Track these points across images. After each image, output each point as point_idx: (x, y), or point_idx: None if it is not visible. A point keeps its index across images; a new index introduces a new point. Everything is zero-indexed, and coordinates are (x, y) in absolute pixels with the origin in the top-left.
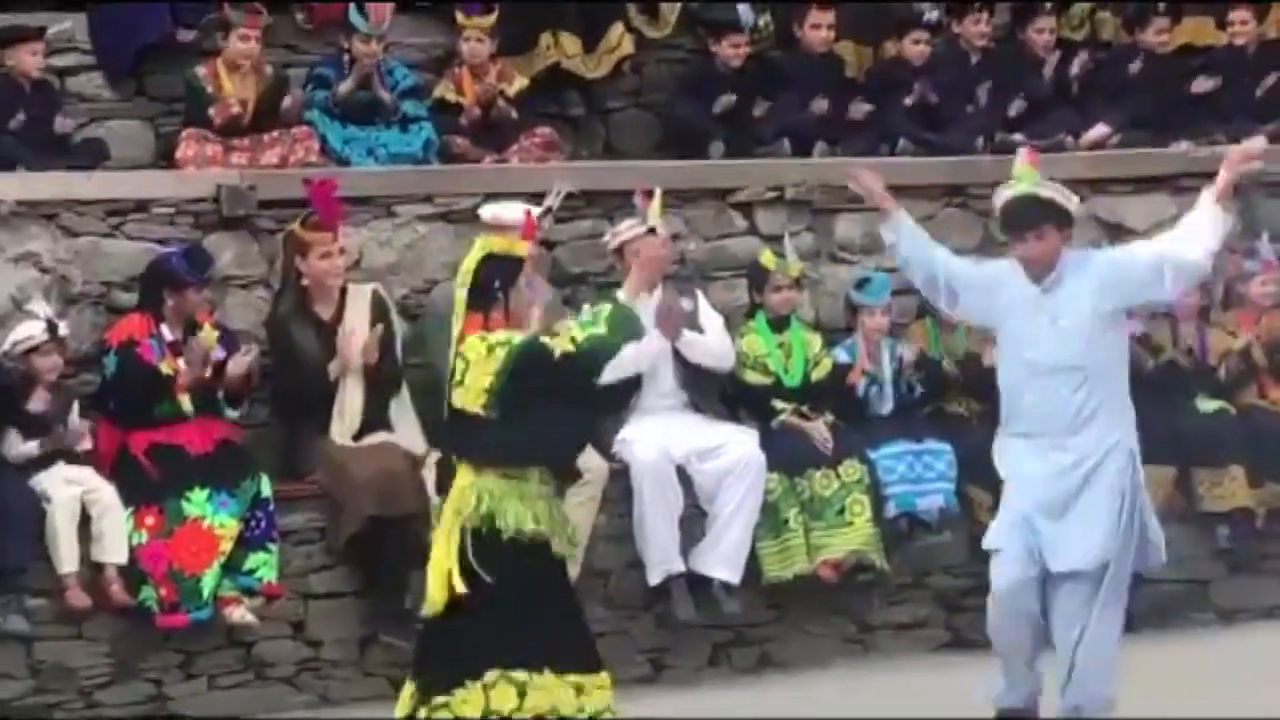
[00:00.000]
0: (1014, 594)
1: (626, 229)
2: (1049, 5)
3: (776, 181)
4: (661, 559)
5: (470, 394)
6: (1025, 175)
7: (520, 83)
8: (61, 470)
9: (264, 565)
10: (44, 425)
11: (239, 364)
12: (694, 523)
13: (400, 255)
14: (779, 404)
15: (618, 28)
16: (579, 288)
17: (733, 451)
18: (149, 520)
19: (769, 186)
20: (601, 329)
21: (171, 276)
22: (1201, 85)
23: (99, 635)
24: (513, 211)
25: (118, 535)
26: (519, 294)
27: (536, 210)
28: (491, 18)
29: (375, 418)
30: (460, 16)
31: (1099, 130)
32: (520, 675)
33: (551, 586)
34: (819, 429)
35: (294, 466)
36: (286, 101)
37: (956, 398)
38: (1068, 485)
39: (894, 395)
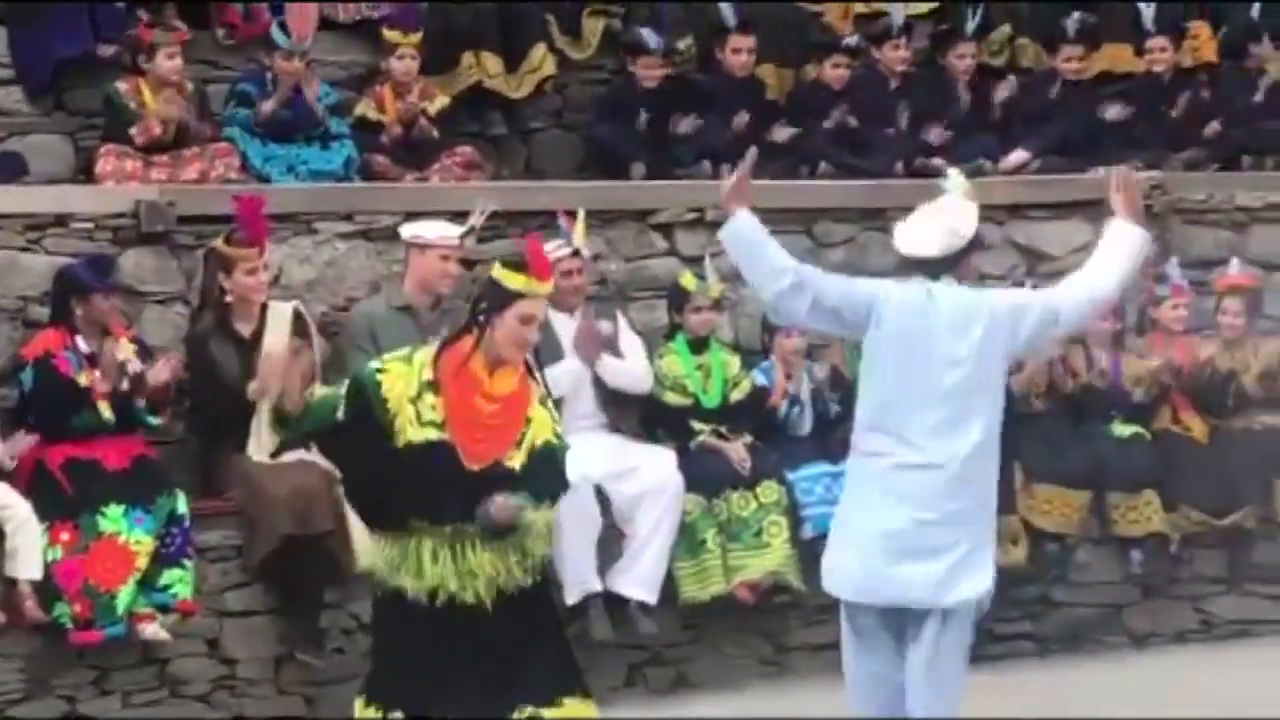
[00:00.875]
0: None
1: (552, 250)
2: (968, 32)
3: (697, 203)
4: (578, 579)
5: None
6: (957, 185)
7: (442, 101)
8: None
9: (179, 582)
10: None
11: (162, 369)
12: (611, 543)
13: (320, 272)
14: (697, 425)
15: (540, 48)
16: None
17: (650, 472)
18: (64, 536)
19: (689, 208)
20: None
21: (76, 285)
22: (1114, 113)
23: (12, 651)
24: (434, 230)
25: (32, 551)
26: (505, 328)
27: (459, 229)
28: (419, 35)
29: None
30: (393, 34)
31: (1017, 156)
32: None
33: (515, 619)
34: (737, 450)
35: (211, 484)
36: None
37: None
38: None
39: (811, 416)
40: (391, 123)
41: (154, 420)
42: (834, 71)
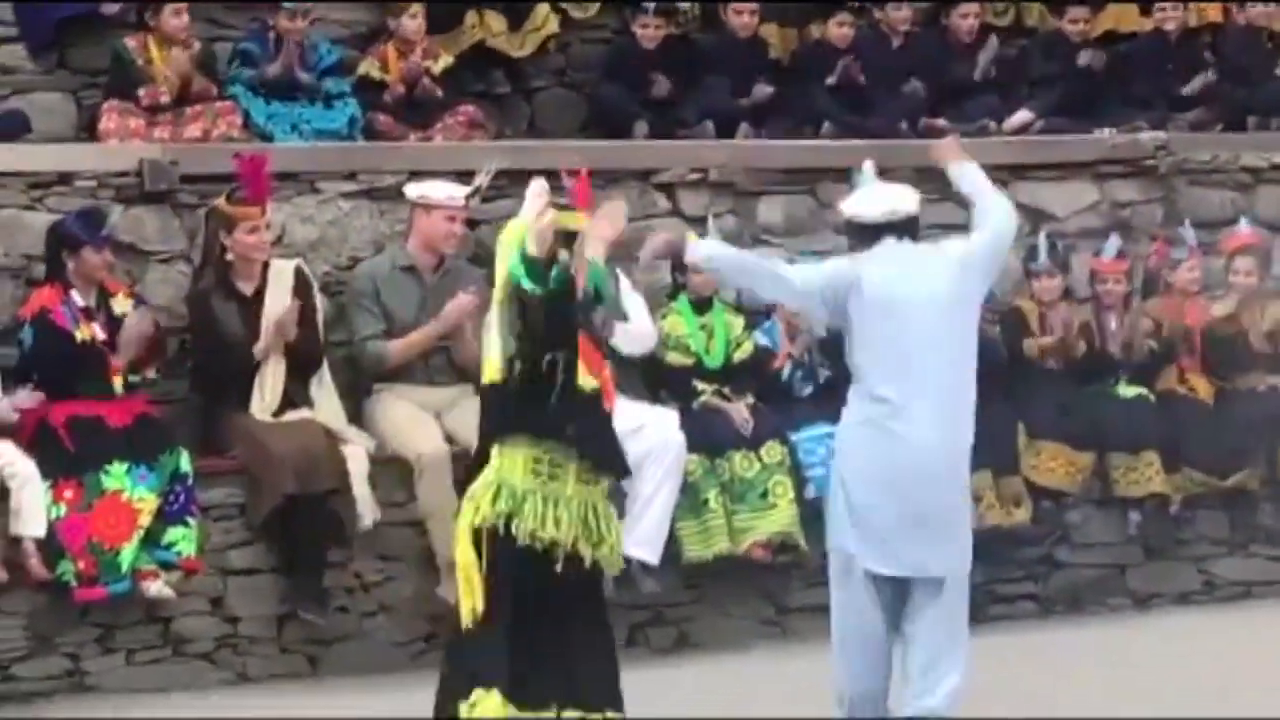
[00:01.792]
0: None
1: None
2: None
3: (700, 163)
4: None
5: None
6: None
7: (445, 60)
8: None
9: (183, 539)
10: None
11: (138, 325)
12: (614, 502)
13: (323, 231)
14: (700, 385)
15: (543, 7)
16: None
17: (653, 432)
18: (68, 493)
19: (692, 168)
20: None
21: (67, 238)
22: (1087, 59)
23: (16, 609)
24: (441, 190)
25: (36, 508)
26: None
27: (465, 189)
28: None
29: (296, 394)
30: None
31: (1021, 116)
32: (523, 710)
33: (572, 605)
34: (740, 410)
35: (214, 442)
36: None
37: None
38: None
39: (812, 377)
40: (395, 82)
41: (134, 378)
42: (839, 30)
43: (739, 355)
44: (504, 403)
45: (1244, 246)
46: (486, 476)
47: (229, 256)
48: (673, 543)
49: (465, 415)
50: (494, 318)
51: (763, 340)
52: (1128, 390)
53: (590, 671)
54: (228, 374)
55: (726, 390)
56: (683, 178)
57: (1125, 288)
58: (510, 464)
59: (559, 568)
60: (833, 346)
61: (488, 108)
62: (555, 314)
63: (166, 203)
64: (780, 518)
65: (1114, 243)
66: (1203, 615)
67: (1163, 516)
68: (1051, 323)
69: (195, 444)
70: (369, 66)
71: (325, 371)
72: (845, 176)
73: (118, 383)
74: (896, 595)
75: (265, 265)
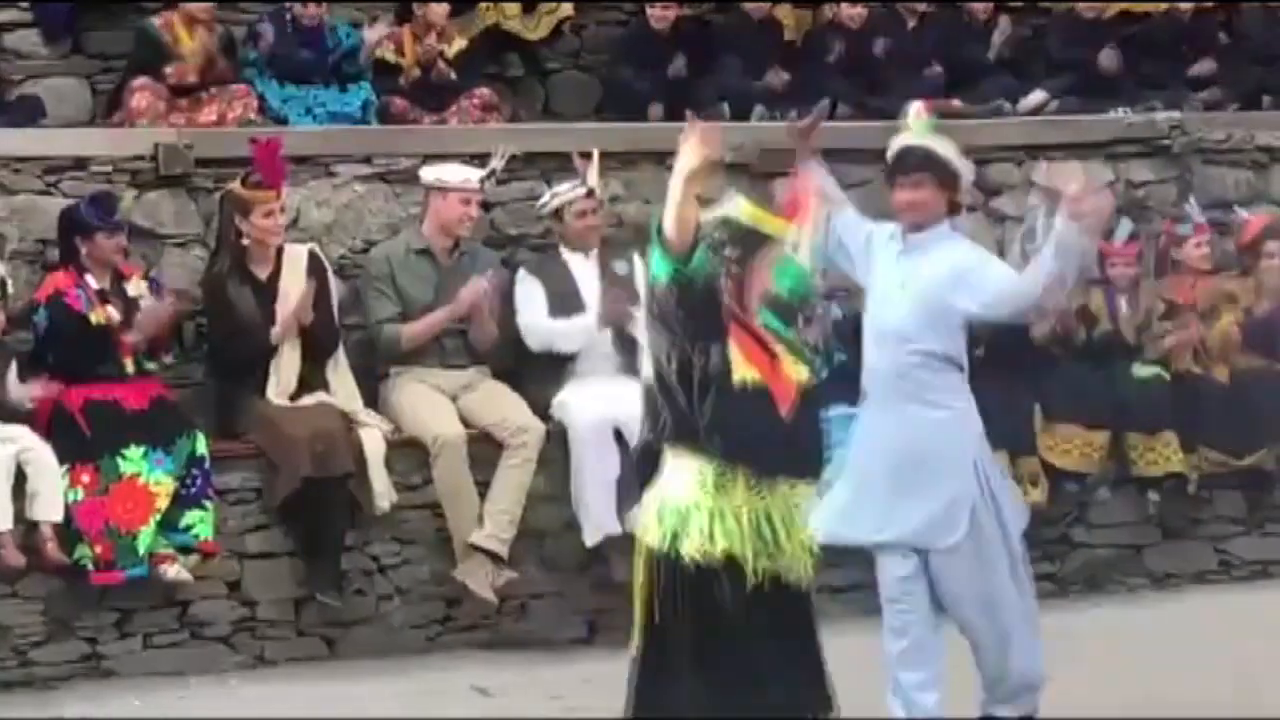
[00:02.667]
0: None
1: (565, 190)
2: None
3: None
4: (598, 521)
5: None
6: (916, 126)
7: (460, 44)
8: None
9: (200, 523)
10: None
11: (154, 309)
12: (630, 485)
13: (338, 215)
14: None
15: None
16: (516, 249)
17: None
18: (85, 478)
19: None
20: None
21: (79, 224)
22: (1108, 59)
23: (34, 594)
24: (456, 173)
25: (53, 493)
26: (751, 276)
27: (479, 172)
28: None
29: (312, 378)
30: None
31: (1036, 96)
32: None
33: (761, 619)
34: None
35: (230, 426)
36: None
37: None
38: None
39: (828, 358)
40: (410, 65)
41: (150, 364)
42: (850, 10)
43: None
44: (656, 405)
45: (1268, 229)
46: (652, 492)
47: (244, 240)
48: None
49: (481, 398)
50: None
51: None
52: (1143, 370)
53: (784, 682)
54: (243, 358)
55: None
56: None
57: (1136, 270)
58: (675, 475)
59: (741, 583)
60: (847, 331)
61: (502, 91)
62: (694, 300)
63: (182, 187)
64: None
65: (1125, 226)
66: (1220, 595)
67: (1180, 496)
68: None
69: (212, 428)
70: (384, 50)
71: (341, 355)
72: (860, 158)
73: (129, 363)
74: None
75: (280, 249)
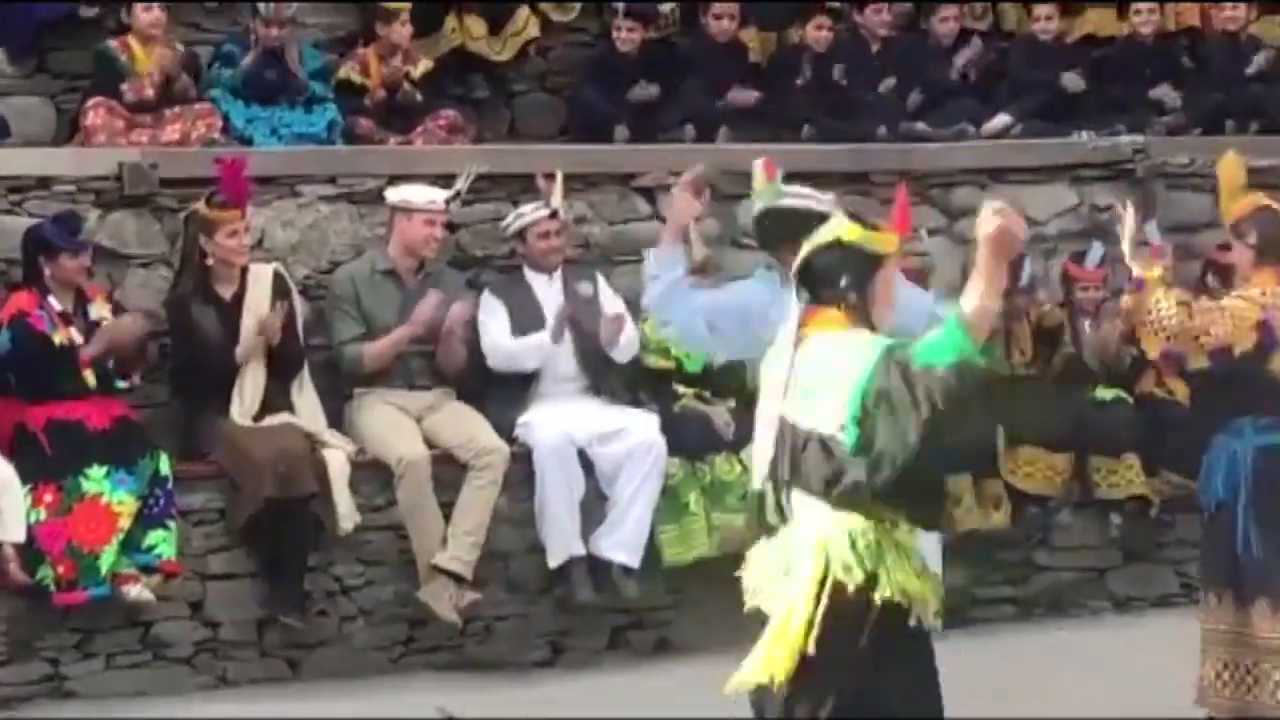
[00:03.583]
0: None
1: (529, 212)
2: None
3: (680, 167)
4: (562, 542)
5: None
6: (764, 190)
7: (425, 65)
8: None
9: (163, 542)
10: None
11: (122, 327)
12: (594, 506)
13: (303, 235)
14: (681, 388)
15: (524, 10)
16: (482, 270)
17: (634, 435)
18: (47, 498)
19: (672, 171)
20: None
21: (43, 244)
22: (1072, 82)
23: None
24: (421, 194)
25: (15, 513)
26: (872, 298)
27: (444, 193)
28: (411, 1)
29: (276, 398)
30: (395, 1)
31: (1000, 119)
32: None
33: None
34: (720, 413)
35: (194, 447)
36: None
37: None
38: None
39: None
40: (375, 86)
41: (121, 383)
42: (816, 33)
43: (719, 358)
44: (821, 462)
45: None
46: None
47: (208, 261)
48: (653, 546)
49: (445, 419)
50: None
51: None
52: (1105, 392)
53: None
54: (207, 378)
55: (707, 393)
56: (663, 181)
57: (1103, 294)
58: (843, 520)
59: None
60: None
61: (468, 112)
62: None
63: (146, 207)
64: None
65: (1097, 250)
66: (1182, 618)
67: (1143, 519)
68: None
69: (175, 448)
70: (349, 71)
71: (305, 375)
72: (825, 181)
73: (88, 376)
74: None
75: (245, 269)
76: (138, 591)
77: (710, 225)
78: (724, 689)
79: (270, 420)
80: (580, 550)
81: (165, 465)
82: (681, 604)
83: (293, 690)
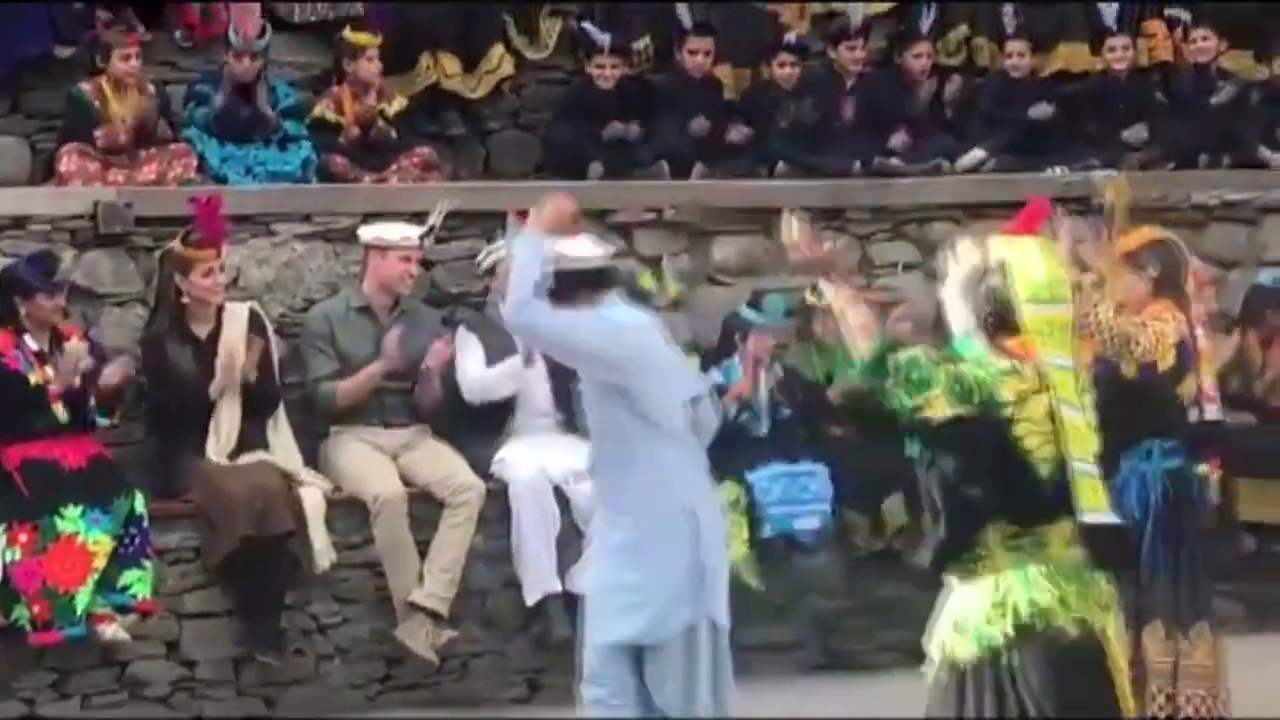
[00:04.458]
0: None
1: (499, 248)
2: (924, 31)
3: (655, 204)
4: (538, 579)
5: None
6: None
7: (400, 102)
8: None
9: (138, 581)
10: None
11: (114, 372)
12: (571, 542)
13: (278, 274)
14: None
15: (497, 48)
16: (457, 307)
17: None
18: (22, 538)
19: (647, 208)
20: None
21: (19, 284)
22: (1039, 112)
23: None
24: (395, 232)
25: None
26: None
27: (418, 230)
28: (379, 37)
29: (251, 437)
30: (360, 36)
31: (974, 155)
32: None
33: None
34: None
35: (169, 485)
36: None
37: (833, 420)
38: None
39: (769, 417)
40: (349, 124)
41: (105, 421)
42: (781, 71)
43: None
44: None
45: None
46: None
47: (184, 299)
48: None
49: (421, 456)
50: None
51: (718, 378)
52: None
53: None
54: (183, 417)
55: None
56: (638, 218)
57: None
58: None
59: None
60: (793, 384)
61: (442, 149)
62: None
63: (121, 246)
64: (733, 557)
65: None
66: None
67: None
68: None
69: (151, 487)
70: (323, 109)
71: (281, 413)
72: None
73: (59, 410)
74: None
75: (221, 308)
76: (113, 631)
77: (684, 261)
78: None
79: (246, 458)
80: (557, 587)
81: (140, 504)
82: None
83: None
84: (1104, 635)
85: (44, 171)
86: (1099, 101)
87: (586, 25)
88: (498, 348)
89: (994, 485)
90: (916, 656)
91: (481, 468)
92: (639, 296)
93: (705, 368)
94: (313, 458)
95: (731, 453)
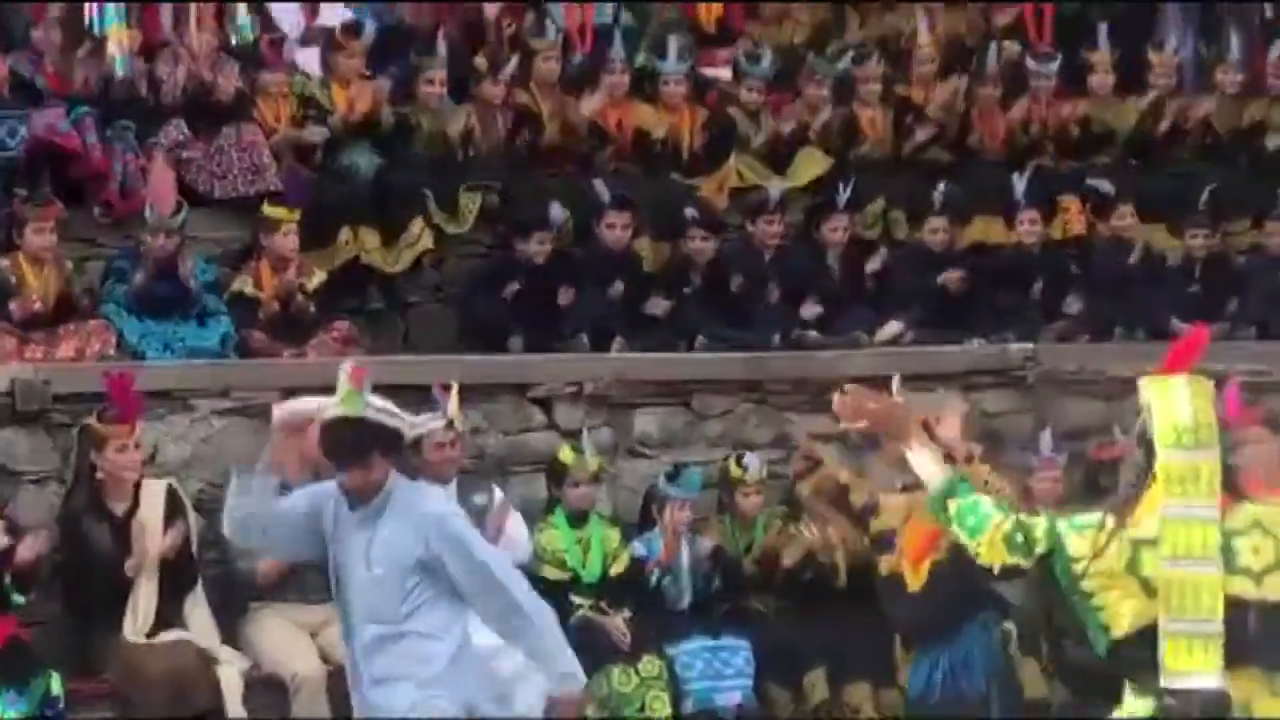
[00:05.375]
0: None
1: (423, 422)
2: (841, 205)
3: (575, 377)
4: None
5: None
6: (348, 397)
7: (319, 277)
8: None
9: None
10: None
11: (29, 547)
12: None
13: (196, 449)
14: (577, 600)
15: (417, 222)
16: None
17: None
18: None
19: (568, 382)
20: None
21: None
22: (952, 282)
23: None
24: (306, 405)
25: None
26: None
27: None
28: (297, 212)
29: (169, 615)
30: (277, 211)
31: (892, 327)
32: None
33: None
34: (617, 624)
35: (86, 664)
36: (83, 298)
37: (754, 594)
38: None
39: (691, 589)
40: (269, 299)
41: (20, 599)
42: (693, 244)
43: (615, 569)
44: None
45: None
46: None
47: (100, 476)
48: None
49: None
50: None
51: (640, 550)
52: None
53: None
54: (100, 595)
55: (603, 604)
56: (558, 391)
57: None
58: None
59: None
60: (725, 559)
61: (362, 324)
62: None
63: (39, 423)
64: None
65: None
66: None
67: None
68: None
69: (68, 666)
70: (242, 284)
71: (199, 591)
72: (721, 388)
73: None
74: None
75: (138, 484)
76: None
77: (604, 434)
78: None
79: (164, 637)
80: None
81: (57, 685)
82: None
83: None
84: None
85: None
86: (1013, 274)
87: (551, 204)
88: None
89: None
90: None
91: None
92: (558, 471)
93: (627, 540)
94: (232, 635)
95: (653, 626)
